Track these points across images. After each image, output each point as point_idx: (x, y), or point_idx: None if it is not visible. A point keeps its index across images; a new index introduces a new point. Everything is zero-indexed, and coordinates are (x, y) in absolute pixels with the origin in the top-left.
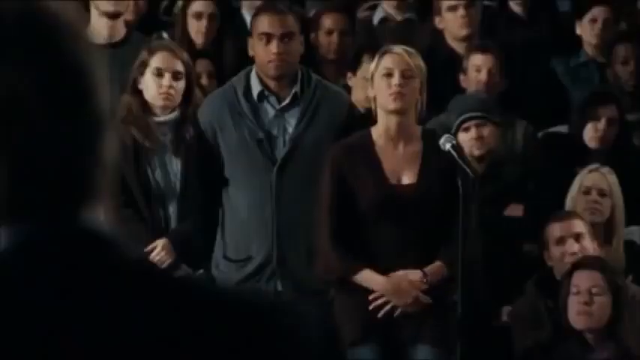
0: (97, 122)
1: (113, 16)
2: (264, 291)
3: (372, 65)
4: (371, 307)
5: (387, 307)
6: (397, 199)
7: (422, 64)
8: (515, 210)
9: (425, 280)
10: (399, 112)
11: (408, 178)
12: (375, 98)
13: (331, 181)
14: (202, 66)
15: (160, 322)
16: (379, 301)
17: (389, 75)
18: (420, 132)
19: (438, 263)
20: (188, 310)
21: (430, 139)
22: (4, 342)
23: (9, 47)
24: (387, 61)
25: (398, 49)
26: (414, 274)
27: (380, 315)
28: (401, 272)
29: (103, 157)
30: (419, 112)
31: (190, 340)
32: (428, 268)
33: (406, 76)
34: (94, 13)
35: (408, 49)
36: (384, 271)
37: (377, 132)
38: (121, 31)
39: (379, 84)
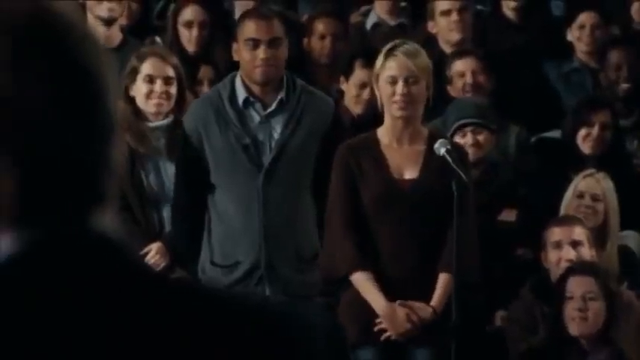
0: (107, 124)
1: (108, 22)
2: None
3: (377, 65)
4: (375, 329)
5: (385, 336)
6: (399, 194)
7: (427, 62)
8: (508, 215)
9: (434, 316)
10: (404, 119)
11: (410, 174)
12: (381, 98)
13: (339, 178)
14: (204, 72)
15: (172, 327)
16: (379, 327)
17: (393, 82)
18: (427, 134)
19: (444, 278)
20: (197, 314)
21: (436, 141)
22: (13, 348)
23: (20, 48)
24: (391, 67)
25: (401, 54)
26: (425, 311)
27: (381, 338)
28: (410, 303)
29: (113, 160)
30: (425, 107)
31: (201, 345)
32: (437, 298)
33: (410, 82)
34: (90, 18)
35: (412, 48)
36: (383, 269)
37: (383, 131)
38: (117, 37)
39: (384, 88)
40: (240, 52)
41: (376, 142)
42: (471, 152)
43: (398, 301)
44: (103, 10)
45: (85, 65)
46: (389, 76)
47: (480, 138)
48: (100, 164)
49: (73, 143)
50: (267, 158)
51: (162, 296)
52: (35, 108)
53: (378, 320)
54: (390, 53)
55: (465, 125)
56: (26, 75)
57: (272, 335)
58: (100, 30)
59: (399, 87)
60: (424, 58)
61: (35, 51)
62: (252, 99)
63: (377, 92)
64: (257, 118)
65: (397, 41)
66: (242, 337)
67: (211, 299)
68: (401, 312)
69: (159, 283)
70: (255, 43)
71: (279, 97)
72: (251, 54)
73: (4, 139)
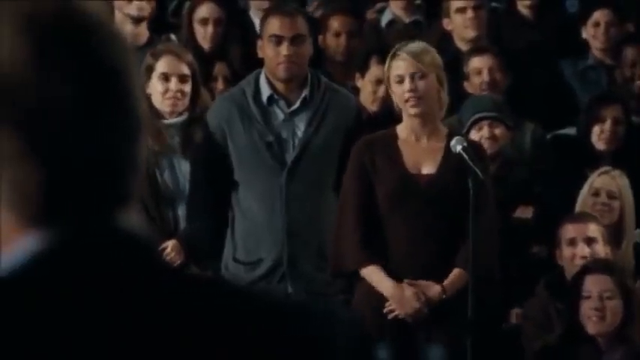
0: (134, 124)
1: (137, 20)
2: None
3: (385, 67)
4: (384, 310)
5: (392, 315)
6: (414, 188)
7: (435, 58)
8: (524, 212)
9: (443, 296)
10: (418, 116)
11: (427, 169)
12: (395, 100)
13: (353, 173)
14: (219, 69)
15: (198, 323)
16: (388, 308)
17: (400, 81)
18: (446, 133)
19: (458, 272)
20: (222, 311)
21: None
22: (41, 346)
23: (46, 48)
24: (397, 67)
25: (405, 53)
26: (433, 290)
27: (389, 317)
28: (418, 282)
29: (138, 159)
30: (442, 105)
31: (227, 341)
32: (448, 281)
33: (416, 78)
34: (118, 17)
35: (417, 47)
36: (396, 266)
37: (401, 128)
38: (144, 35)
39: (395, 89)
40: (264, 48)
41: (394, 137)
42: (486, 145)
43: (406, 280)
44: (133, 8)
45: (112, 65)
46: (396, 76)
47: (497, 132)
48: (127, 163)
49: (100, 142)
50: (290, 156)
51: (190, 293)
52: (61, 108)
53: (387, 303)
54: (395, 55)
55: (481, 119)
56: (52, 75)
57: (295, 332)
58: (127, 28)
59: (406, 84)
60: (431, 55)
61: (61, 51)
62: (276, 96)
63: (392, 95)
64: (281, 115)
65: (402, 42)
66: (266, 334)
67: (236, 296)
68: (409, 291)
69: (185, 280)
70: (278, 40)
71: (303, 95)
72: (274, 50)
73: (31, 139)
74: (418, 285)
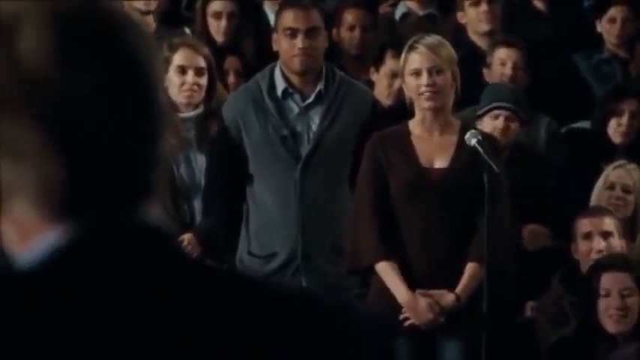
0: (158, 116)
1: (144, 13)
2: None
3: (401, 60)
4: (400, 317)
5: (408, 322)
6: (427, 182)
7: (451, 53)
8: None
9: (457, 303)
10: (433, 110)
11: (440, 163)
12: (409, 92)
13: (368, 168)
14: (230, 63)
15: (224, 316)
16: (403, 316)
17: (417, 74)
18: (459, 126)
19: (472, 266)
20: (252, 304)
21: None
22: (65, 337)
23: (71, 43)
24: (414, 60)
25: (423, 46)
26: (447, 299)
27: (405, 324)
28: (431, 292)
29: (161, 153)
30: (454, 100)
31: (255, 337)
32: (462, 286)
33: (434, 73)
34: (126, 8)
35: (434, 40)
36: (411, 260)
37: (414, 123)
38: (151, 27)
39: (409, 82)
40: (279, 41)
41: (407, 133)
42: (498, 136)
43: (418, 291)
44: (140, 4)
45: (135, 61)
46: (413, 69)
47: (512, 125)
48: (149, 156)
49: (123, 136)
50: (304, 150)
51: (215, 285)
52: (85, 103)
53: (402, 310)
54: (412, 47)
55: (498, 108)
56: (76, 70)
57: (320, 326)
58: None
59: (424, 78)
60: (447, 49)
61: (85, 47)
62: (291, 90)
63: (404, 88)
64: (295, 109)
65: (419, 35)
66: (292, 327)
67: (262, 290)
68: (422, 302)
69: (209, 273)
70: (293, 33)
71: (317, 89)
72: (289, 43)
73: (54, 133)
74: (431, 295)
